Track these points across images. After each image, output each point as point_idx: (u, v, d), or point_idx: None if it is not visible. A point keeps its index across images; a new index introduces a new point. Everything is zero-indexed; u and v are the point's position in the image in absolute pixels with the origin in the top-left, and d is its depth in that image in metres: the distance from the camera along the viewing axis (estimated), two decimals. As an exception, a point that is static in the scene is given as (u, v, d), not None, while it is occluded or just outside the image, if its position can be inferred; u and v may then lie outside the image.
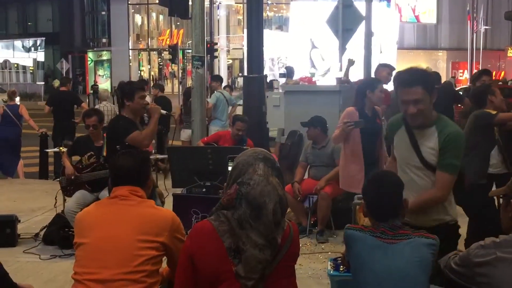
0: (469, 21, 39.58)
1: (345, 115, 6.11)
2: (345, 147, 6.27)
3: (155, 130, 5.21)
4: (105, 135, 5.90)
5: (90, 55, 46.77)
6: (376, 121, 6.18)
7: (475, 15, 39.19)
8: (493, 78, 9.58)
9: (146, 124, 5.48)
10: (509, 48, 41.16)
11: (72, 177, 6.40)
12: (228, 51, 44.71)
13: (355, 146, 6.11)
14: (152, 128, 5.15)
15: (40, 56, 45.33)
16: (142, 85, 5.71)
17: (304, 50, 28.17)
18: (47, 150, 10.38)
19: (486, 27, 38.77)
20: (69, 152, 6.75)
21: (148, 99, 11.49)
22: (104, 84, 41.20)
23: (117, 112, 7.23)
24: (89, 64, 46.45)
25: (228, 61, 45.57)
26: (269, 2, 40.77)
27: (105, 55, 46.43)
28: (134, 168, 3.06)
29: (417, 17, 43.98)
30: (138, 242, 2.85)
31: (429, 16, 44.31)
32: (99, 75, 45.99)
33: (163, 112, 5.53)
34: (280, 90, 9.30)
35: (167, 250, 2.94)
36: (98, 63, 46.97)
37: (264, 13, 37.33)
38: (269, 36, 31.61)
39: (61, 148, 7.92)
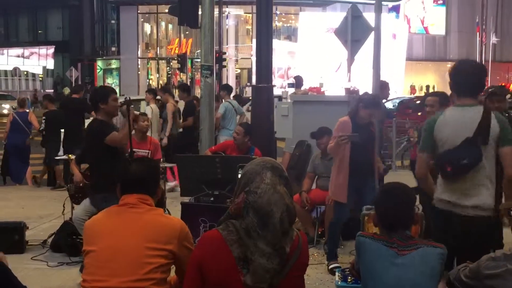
0: (478, 33, 39.55)
1: (338, 125, 6.04)
2: (335, 157, 6.26)
3: (131, 130, 5.43)
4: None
5: (99, 63, 47.01)
6: (370, 130, 6.06)
7: (484, 27, 39.15)
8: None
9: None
10: (518, 60, 41.05)
11: (81, 184, 6.41)
12: (236, 60, 44.83)
13: (344, 157, 6.03)
14: (128, 128, 5.38)
15: (50, 64, 45.62)
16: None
17: (313, 60, 28.23)
18: (56, 158, 10.41)
19: (496, 39, 38.69)
20: (77, 160, 6.77)
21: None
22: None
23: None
24: (98, 72, 46.67)
25: (236, 71, 45.67)
26: (278, 12, 40.88)
27: (114, 64, 46.66)
28: (143, 176, 3.07)
29: (426, 29, 43.99)
30: (147, 250, 2.85)
31: (438, 28, 44.30)
32: (108, 83, 46.14)
33: (136, 113, 5.74)
34: (289, 100, 9.28)
35: (176, 258, 2.93)
36: (107, 71, 47.19)
37: (273, 23, 37.47)
38: (278, 46, 31.76)
39: (70, 155, 7.94)
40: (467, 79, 3.82)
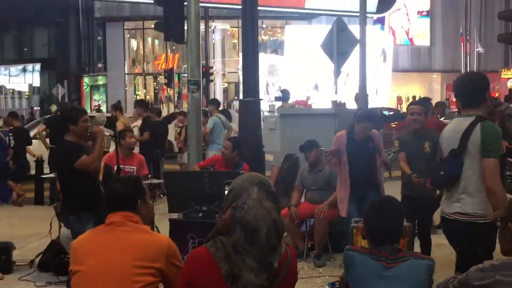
0: (462, 43, 39.92)
1: (335, 140, 6.22)
2: (339, 172, 6.37)
3: (101, 152, 5.39)
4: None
5: (86, 79, 46.88)
6: (367, 145, 6.16)
7: (468, 37, 39.54)
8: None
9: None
10: (503, 70, 41.47)
11: (68, 203, 6.35)
12: (223, 74, 44.90)
13: (344, 172, 6.19)
14: (99, 150, 5.33)
15: (36, 81, 45.41)
16: (85, 110, 6.08)
17: (299, 73, 28.33)
18: (42, 176, 10.34)
19: (480, 49, 39.07)
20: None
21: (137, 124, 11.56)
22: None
23: (111, 136, 7.28)
24: (85, 89, 46.53)
25: (223, 85, 45.73)
26: (264, 26, 41.07)
27: (100, 80, 46.55)
28: (127, 194, 3.05)
29: (411, 40, 44.36)
30: (135, 268, 2.83)
31: (422, 39, 44.68)
32: (95, 99, 46.05)
33: (106, 133, 5.69)
34: (276, 114, 9.31)
35: (163, 276, 2.91)
36: (94, 87, 47.06)
37: (259, 37, 37.65)
38: (264, 59, 31.87)
39: (55, 173, 7.89)
40: (464, 90, 3.95)
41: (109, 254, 2.87)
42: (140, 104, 11.82)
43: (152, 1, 9.81)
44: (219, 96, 40.26)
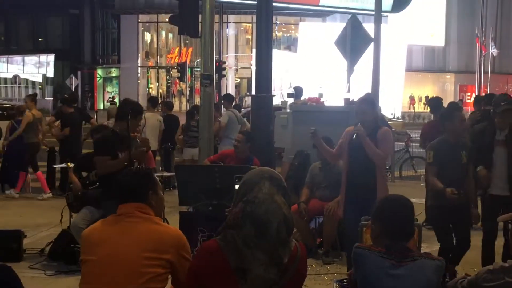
0: (477, 44, 39.66)
1: (343, 134, 5.97)
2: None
3: (120, 165, 5.31)
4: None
5: (99, 71, 47.07)
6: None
7: (483, 38, 39.28)
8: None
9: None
10: (518, 72, 41.16)
11: (79, 193, 6.41)
12: (236, 70, 44.93)
13: (344, 171, 5.98)
14: (120, 161, 5.35)
15: (50, 71, 45.64)
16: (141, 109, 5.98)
17: (312, 70, 28.30)
18: (54, 166, 10.40)
19: (495, 50, 38.80)
20: (76, 168, 6.76)
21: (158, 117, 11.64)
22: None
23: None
24: (98, 81, 46.72)
25: (236, 80, 45.76)
26: (278, 22, 41.00)
27: (114, 72, 46.71)
28: (137, 185, 3.06)
29: (425, 40, 44.10)
30: (144, 259, 2.84)
31: (437, 39, 44.43)
32: (108, 91, 46.24)
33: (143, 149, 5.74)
34: (288, 110, 9.30)
35: (173, 268, 2.92)
36: (107, 79, 47.24)
37: (273, 33, 37.64)
38: (278, 56, 31.88)
39: (68, 163, 7.94)
40: None
41: (119, 244, 2.89)
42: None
43: (167, -5, 9.81)
44: (231, 91, 40.29)
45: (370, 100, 5.91)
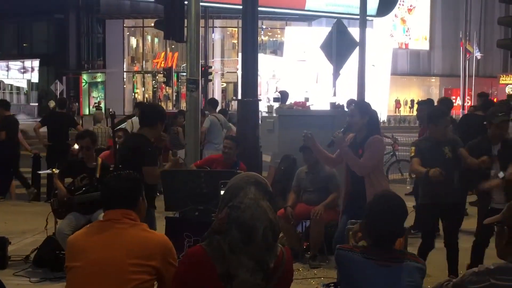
0: (461, 48, 40.00)
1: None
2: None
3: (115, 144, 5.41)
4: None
5: (85, 76, 46.84)
6: (357, 151, 5.45)
7: (467, 42, 39.62)
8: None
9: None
10: (501, 76, 41.57)
11: (65, 199, 6.36)
12: (222, 74, 44.92)
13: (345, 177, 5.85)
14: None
15: (35, 77, 45.37)
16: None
17: (298, 74, 28.37)
18: (39, 172, 10.33)
19: (479, 54, 39.15)
20: (61, 174, 6.72)
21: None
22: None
23: (111, 134, 7.25)
24: (83, 86, 46.49)
25: (222, 85, 45.74)
26: (264, 26, 41.09)
27: (99, 77, 46.52)
28: (124, 191, 3.04)
29: (408, 44, 44.45)
30: (130, 266, 2.83)
31: (422, 43, 44.78)
32: (93, 96, 46.04)
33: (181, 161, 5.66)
34: (274, 114, 9.32)
35: (159, 274, 2.91)
36: (92, 84, 47.04)
37: (259, 38, 37.64)
38: (264, 60, 31.93)
39: (53, 170, 7.88)
40: None
41: (105, 251, 2.87)
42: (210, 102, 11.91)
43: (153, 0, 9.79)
44: (218, 96, 40.28)
45: (359, 106, 5.66)
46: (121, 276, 2.81)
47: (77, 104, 43.15)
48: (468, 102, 36.82)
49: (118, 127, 9.30)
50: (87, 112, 41.66)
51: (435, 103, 8.40)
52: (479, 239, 5.86)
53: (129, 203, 3.01)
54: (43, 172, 9.90)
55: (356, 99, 11.17)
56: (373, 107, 5.73)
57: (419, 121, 8.36)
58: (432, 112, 5.98)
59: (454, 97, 41.18)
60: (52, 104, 27.28)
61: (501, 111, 5.86)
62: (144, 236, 2.95)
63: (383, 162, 5.43)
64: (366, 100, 9.25)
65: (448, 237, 5.86)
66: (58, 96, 31.92)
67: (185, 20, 9.28)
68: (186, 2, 9.16)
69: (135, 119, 11.16)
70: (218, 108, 13.45)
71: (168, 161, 5.75)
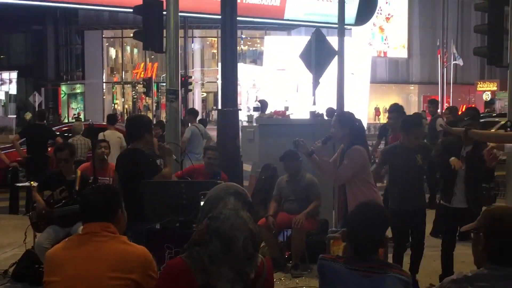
0: (439, 56, 40.46)
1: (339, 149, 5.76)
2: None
3: (171, 169, 5.55)
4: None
5: (64, 88, 46.55)
6: (342, 161, 5.46)
7: (445, 50, 40.09)
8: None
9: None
10: (479, 83, 42.10)
11: (43, 212, 6.29)
12: (202, 84, 44.92)
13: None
14: (170, 167, 5.55)
15: (13, 89, 44.91)
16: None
17: (278, 83, 28.45)
18: (18, 185, 10.21)
19: (456, 62, 39.64)
20: (40, 187, 6.64)
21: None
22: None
23: (90, 146, 7.23)
24: (62, 97, 46.19)
25: (202, 94, 45.73)
26: (243, 36, 41.20)
27: (78, 88, 46.24)
28: (102, 204, 3.01)
29: (386, 53, 44.87)
30: (110, 279, 2.80)
31: (400, 51, 45.22)
32: (72, 108, 45.73)
33: (174, 157, 5.79)
34: (254, 124, 9.32)
35: (139, 287, 2.88)
36: (72, 96, 46.74)
37: (238, 47, 37.70)
38: (244, 69, 31.98)
39: (32, 182, 7.79)
40: None
41: (84, 265, 2.84)
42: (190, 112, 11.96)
43: (131, 10, 9.76)
44: (198, 106, 40.24)
45: (339, 117, 5.66)
46: (100, 289, 2.78)
47: (54, 115, 42.87)
48: (446, 109, 37.17)
49: (100, 139, 9.24)
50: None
51: (408, 112, 8.52)
52: (444, 244, 6.01)
53: (108, 216, 2.98)
54: (21, 185, 9.79)
55: (335, 107, 11.25)
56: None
57: (390, 129, 8.36)
58: (404, 122, 6.09)
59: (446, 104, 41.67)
60: (28, 116, 27.02)
61: (467, 115, 6.10)
62: (124, 249, 2.93)
63: (368, 171, 5.42)
64: (346, 108, 9.31)
65: (415, 240, 6.01)
66: (37, 108, 31.65)
67: (164, 30, 9.27)
68: (164, 12, 9.15)
69: (107, 132, 11.13)
70: (198, 118, 13.43)
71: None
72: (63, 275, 2.83)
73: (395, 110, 8.17)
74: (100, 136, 10.83)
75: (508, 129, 7.81)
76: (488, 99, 34.52)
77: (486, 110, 20.90)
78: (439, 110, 12.10)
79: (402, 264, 5.56)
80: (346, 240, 2.97)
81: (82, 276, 2.80)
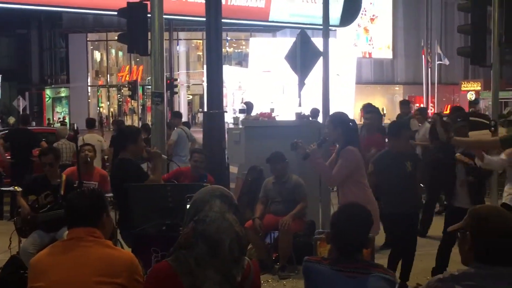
0: (423, 56, 40.68)
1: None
2: None
3: (161, 172, 5.61)
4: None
5: (48, 92, 46.22)
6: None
7: (429, 50, 40.33)
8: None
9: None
10: (463, 82, 42.39)
11: (28, 217, 6.24)
12: (188, 86, 44.81)
13: None
14: (159, 172, 5.60)
15: (-4, 93, 44.54)
16: (140, 129, 6.31)
17: (263, 85, 28.46)
18: (2, 189, 10.11)
19: (441, 62, 39.89)
20: (25, 192, 6.58)
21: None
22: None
23: (75, 150, 7.21)
24: (47, 101, 45.87)
25: (188, 97, 45.62)
26: (229, 38, 41.18)
27: (63, 92, 45.95)
28: (87, 209, 2.99)
29: (371, 53, 45.05)
30: (95, 284, 2.78)
31: (385, 52, 45.43)
32: (57, 112, 45.43)
33: (164, 157, 5.79)
34: (240, 126, 9.31)
35: None
36: (56, 100, 46.43)
37: (224, 49, 37.64)
38: (230, 71, 31.93)
39: (16, 187, 7.72)
40: None
41: (69, 270, 2.81)
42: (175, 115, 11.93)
43: (116, 13, 9.72)
44: (184, 108, 40.14)
45: (332, 118, 5.67)
46: (86, 294, 2.76)
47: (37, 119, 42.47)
48: (431, 109, 37.40)
49: (85, 143, 9.19)
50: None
51: (394, 112, 8.58)
52: (444, 238, 6.01)
53: (93, 221, 2.96)
54: (5, 189, 9.70)
55: (320, 108, 11.27)
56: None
57: (366, 130, 8.32)
58: (392, 126, 6.11)
59: (417, 105, 41.84)
60: (11, 120, 26.71)
61: (460, 117, 6.15)
62: (109, 253, 2.91)
63: (362, 172, 5.40)
64: (332, 109, 9.32)
65: (406, 246, 5.98)
66: (21, 112, 31.39)
67: (149, 33, 9.23)
68: (149, 15, 9.12)
69: (87, 136, 11.09)
70: (182, 120, 13.40)
71: None
72: (47, 281, 2.80)
73: (372, 111, 8.18)
74: (80, 140, 10.77)
75: (492, 128, 7.86)
76: (473, 98, 34.70)
77: (470, 110, 21.08)
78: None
79: (396, 268, 5.58)
80: (331, 242, 2.98)
81: (67, 282, 2.78)
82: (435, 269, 5.82)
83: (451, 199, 6.05)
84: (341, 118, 5.47)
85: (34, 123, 40.09)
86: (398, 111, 14.07)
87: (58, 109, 45.89)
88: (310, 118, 9.65)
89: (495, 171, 8.96)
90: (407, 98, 43.87)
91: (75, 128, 5.89)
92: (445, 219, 6.19)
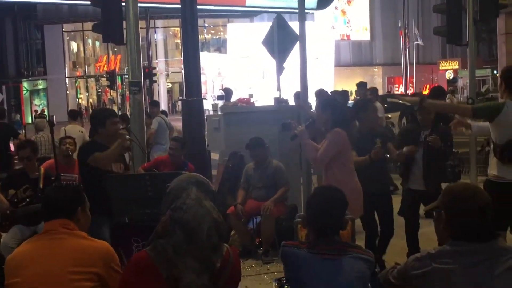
0: (401, 37, 40.82)
1: None
2: None
3: (115, 152, 5.35)
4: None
5: (25, 84, 45.67)
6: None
7: (406, 31, 40.47)
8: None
9: None
10: (441, 62, 42.65)
11: (8, 212, 6.18)
12: (167, 75, 44.57)
13: None
14: (113, 150, 5.30)
15: (-28, 87, 43.99)
16: (114, 112, 6.14)
17: (242, 71, 28.42)
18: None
19: (418, 42, 40.07)
20: (3, 186, 6.51)
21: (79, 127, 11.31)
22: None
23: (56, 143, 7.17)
24: (25, 94, 45.33)
25: (167, 85, 45.39)
26: (206, 25, 40.93)
27: (40, 84, 45.44)
28: (62, 202, 2.99)
29: (349, 36, 45.10)
30: (71, 274, 2.78)
31: (363, 34, 45.50)
32: (35, 104, 44.94)
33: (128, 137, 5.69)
34: (219, 112, 9.29)
35: (102, 281, 2.87)
36: (34, 92, 45.90)
37: (202, 36, 37.40)
38: (209, 58, 31.80)
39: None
40: None
41: (45, 263, 2.81)
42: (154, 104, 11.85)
43: (89, 2, 9.58)
44: (164, 97, 39.96)
45: (321, 101, 5.87)
46: (62, 285, 2.76)
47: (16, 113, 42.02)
48: (410, 90, 37.62)
49: (66, 135, 9.12)
50: (29, 121, 40.63)
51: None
52: (407, 225, 6.06)
53: (67, 213, 2.96)
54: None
55: (300, 91, 11.26)
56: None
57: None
58: (358, 103, 6.15)
59: (397, 86, 42.07)
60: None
61: (431, 93, 6.21)
62: (84, 243, 2.91)
63: (348, 155, 5.39)
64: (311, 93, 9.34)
65: (382, 224, 6.04)
66: (-1, 106, 31.00)
67: (124, 22, 9.13)
68: (123, 3, 9.01)
69: (68, 127, 11.00)
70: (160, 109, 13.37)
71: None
72: (23, 276, 2.80)
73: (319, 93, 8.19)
74: (61, 131, 10.68)
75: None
76: (451, 77, 35.00)
77: (449, 89, 21.20)
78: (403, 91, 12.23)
79: (374, 250, 5.62)
80: (307, 225, 3.00)
81: (42, 274, 2.78)
82: (408, 254, 5.87)
83: (406, 181, 6.08)
84: (328, 101, 5.57)
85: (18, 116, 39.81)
86: (379, 92, 14.10)
87: (36, 101, 45.38)
88: (294, 102, 9.66)
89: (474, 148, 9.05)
90: (386, 80, 44.23)
91: (51, 120, 5.81)
92: (401, 201, 6.26)
